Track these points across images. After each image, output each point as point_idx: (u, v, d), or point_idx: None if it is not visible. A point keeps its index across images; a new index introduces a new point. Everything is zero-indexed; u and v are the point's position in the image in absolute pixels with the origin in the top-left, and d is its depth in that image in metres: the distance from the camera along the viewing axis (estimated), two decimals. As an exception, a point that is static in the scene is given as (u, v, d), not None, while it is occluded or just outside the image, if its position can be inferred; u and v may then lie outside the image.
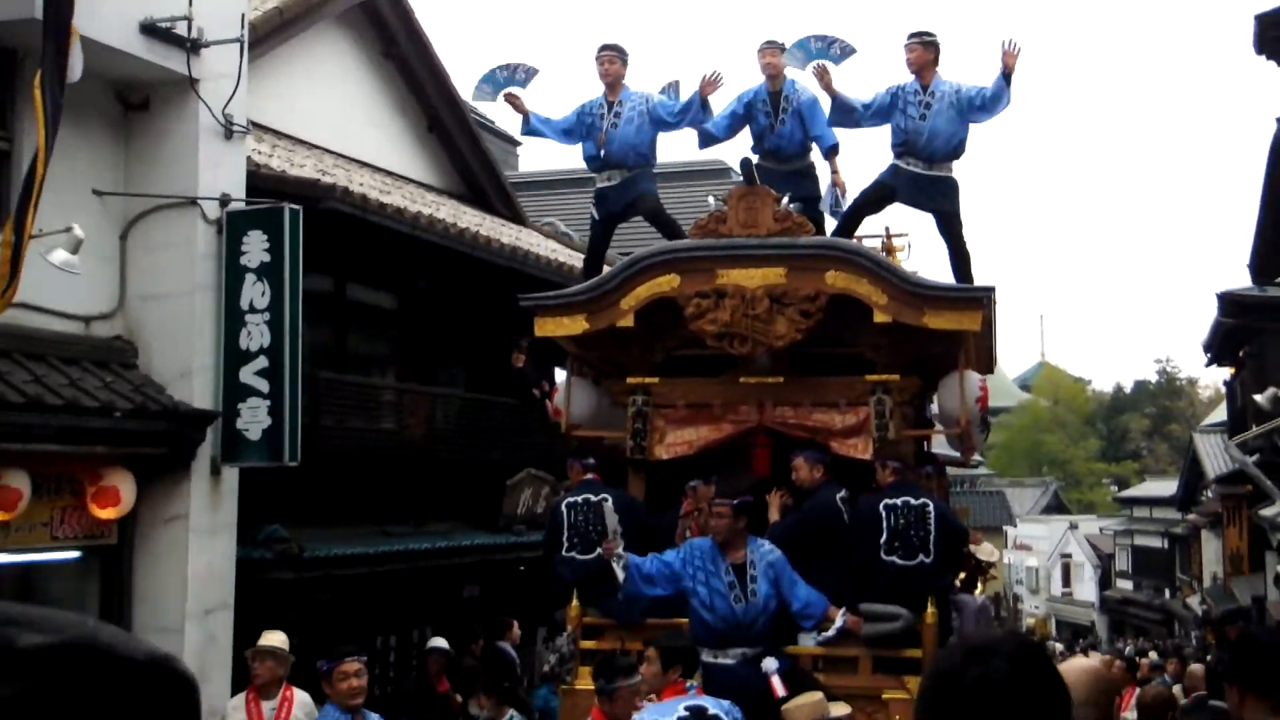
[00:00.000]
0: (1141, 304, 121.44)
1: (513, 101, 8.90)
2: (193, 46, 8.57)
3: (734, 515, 6.64)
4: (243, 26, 8.87)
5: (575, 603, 7.21)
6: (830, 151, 8.77)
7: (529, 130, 9.01)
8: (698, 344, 7.51)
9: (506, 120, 16.19)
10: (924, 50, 8.32)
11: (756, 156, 8.52)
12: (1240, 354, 20.59)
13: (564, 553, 7.38)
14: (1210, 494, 26.07)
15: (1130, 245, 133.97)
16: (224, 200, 9.09)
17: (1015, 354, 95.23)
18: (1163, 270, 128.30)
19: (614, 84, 8.76)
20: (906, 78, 8.42)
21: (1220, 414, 28.85)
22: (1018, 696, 1.71)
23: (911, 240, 9.00)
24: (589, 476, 7.62)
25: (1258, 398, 14.56)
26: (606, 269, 8.25)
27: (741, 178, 7.85)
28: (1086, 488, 63.74)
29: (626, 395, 7.64)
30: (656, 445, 7.57)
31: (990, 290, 7.50)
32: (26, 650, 1.00)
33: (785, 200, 7.72)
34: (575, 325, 7.45)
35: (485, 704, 9.26)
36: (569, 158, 10.54)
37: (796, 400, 7.50)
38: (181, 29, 8.47)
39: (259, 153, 10.23)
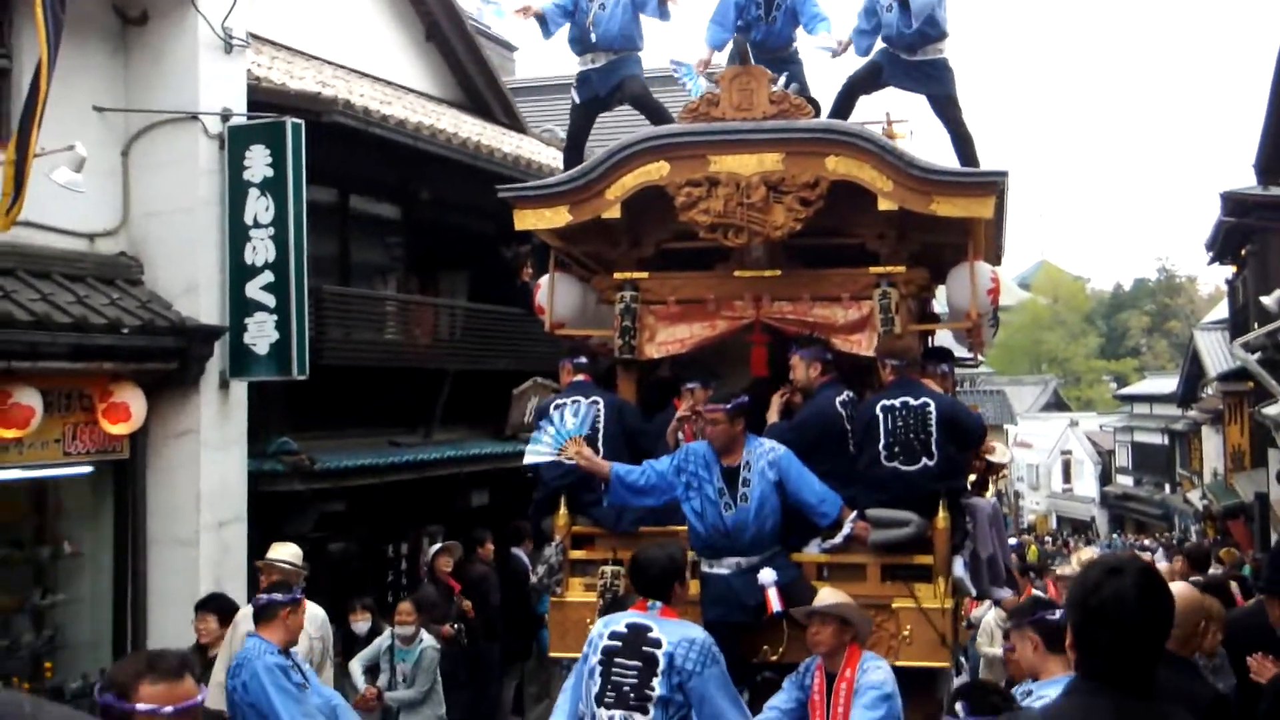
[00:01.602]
0: (1141, 203, 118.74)
1: (524, 11, 7.89)
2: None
3: (728, 420, 5.66)
4: (240, -63, 8.15)
5: (563, 510, 6.32)
6: (823, 26, 7.67)
7: (550, 33, 7.88)
8: (689, 236, 6.48)
9: (503, 26, 15.42)
10: None
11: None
12: (1242, 253, 19.77)
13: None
14: (1211, 391, 25.15)
15: (1131, 143, 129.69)
16: (225, 115, 8.68)
17: (1015, 252, 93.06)
18: (1163, 169, 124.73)
19: None
20: None
21: (1220, 312, 27.87)
22: (1142, 608, 2.27)
23: (913, 127, 7.91)
24: (579, 377, 6.67)
25: (1264, 299, 13.65)
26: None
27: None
28: (1086, 385, 62.70)
29: (614, 291, 6.62)
30: (646, 344, 6.53)
31: (1004, 174, 6.41)
32: None
33: (781, 81, 6.69)
34: (557, 217, 6.41)
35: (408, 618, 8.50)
36: (566, 62, 9.88)
37: (795, 294, 6.46)
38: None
39: (258, 65, 9.63)
